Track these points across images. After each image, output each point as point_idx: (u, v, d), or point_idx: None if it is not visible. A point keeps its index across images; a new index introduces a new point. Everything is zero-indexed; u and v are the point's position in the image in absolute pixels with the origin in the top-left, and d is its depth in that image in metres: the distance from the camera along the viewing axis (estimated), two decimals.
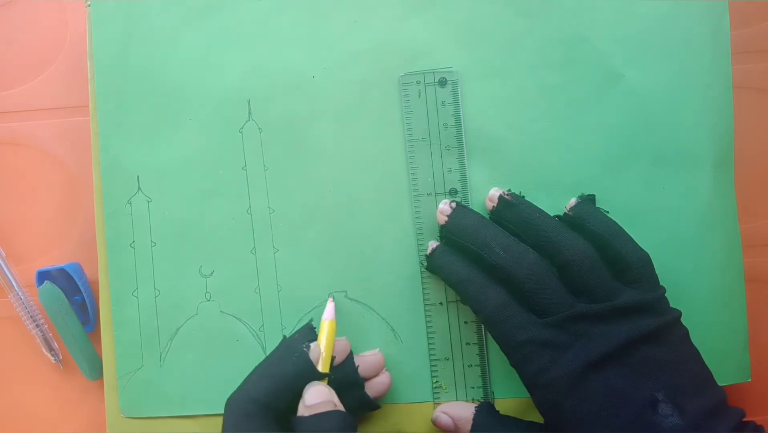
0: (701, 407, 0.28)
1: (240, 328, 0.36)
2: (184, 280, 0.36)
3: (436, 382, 0.35)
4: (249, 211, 0.36)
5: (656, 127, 0.35)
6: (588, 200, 0.34)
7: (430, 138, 0.35)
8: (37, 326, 0.39)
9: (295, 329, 0.35)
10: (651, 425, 0.28)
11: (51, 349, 0.39)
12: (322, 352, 0.31)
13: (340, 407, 0.29)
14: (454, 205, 0.34)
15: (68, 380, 0.40)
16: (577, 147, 0.35)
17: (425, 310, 0.36)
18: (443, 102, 0.35)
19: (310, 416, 0.28)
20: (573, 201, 0.34)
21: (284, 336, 0.32)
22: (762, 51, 0.39)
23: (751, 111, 0.38)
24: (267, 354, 0.34)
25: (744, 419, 0.30)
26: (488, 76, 0.36)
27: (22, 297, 0.39)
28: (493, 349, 0.35)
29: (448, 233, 0.34)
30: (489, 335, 0.35)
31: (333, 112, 0.36)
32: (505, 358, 0.31)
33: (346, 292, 0.36)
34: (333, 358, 0.32)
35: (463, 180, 0.35)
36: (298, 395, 0.30)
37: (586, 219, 0.33)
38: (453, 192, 0.35)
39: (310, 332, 0.32)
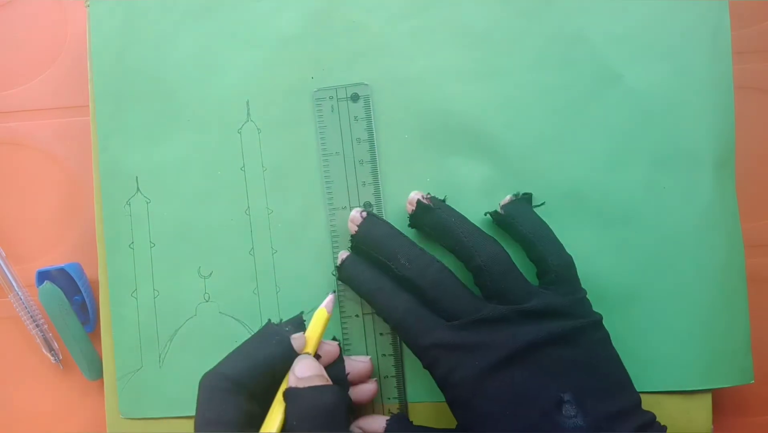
0: (606, 411, 0.29)
1: (239, 329, 0.36)
2: (183, 281, 0.36)
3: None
4: (247, 211, 0.36)
5: (656, 127, 0.35)
6: (523, 200, 0.34)
7: (344, 152, 0.36)
8: (37, 326, 0.39)
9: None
10: (554, 426, 0.28)
11: (51, 349, 0.39)
12: (311, 341, 0.31)
13: (330, 382, 0.29)
14: (364, 214, 0.34)
15: (68, 380, 0.40)
16: (576, 147, 0.35)
17: (341, 322, 0.36)
18: (356, 117, 0.36)
19: (306, 388, 0.28)
20: (507, 198, 0.34)
21: (269, 320, 0.32)
22: (762, 51, 0.39)
23: (752, 111, 0.38)
24: None
25: (655, 421, 0.30)
26: (487, 75, 0.36)
27: (22, 297, 0.39)
28: (409, 354, 0.35)
29: (357, 243, 0.34)
30: (405, 350, 0.35)
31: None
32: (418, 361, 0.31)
33: (345, 292, 0.36)
34: (318, 357, 0.32)
35: (377, 193, 0.35)
36: (272, 378, 0.29)
37: (516, 218, 0.33)
38: (367, 205, 0.35)
39: (297, 322, 0.32)
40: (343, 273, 0.34)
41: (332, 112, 0.36)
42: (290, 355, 0.30)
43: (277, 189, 0.36)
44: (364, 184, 0.35)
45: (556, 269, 0.32)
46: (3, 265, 0.40)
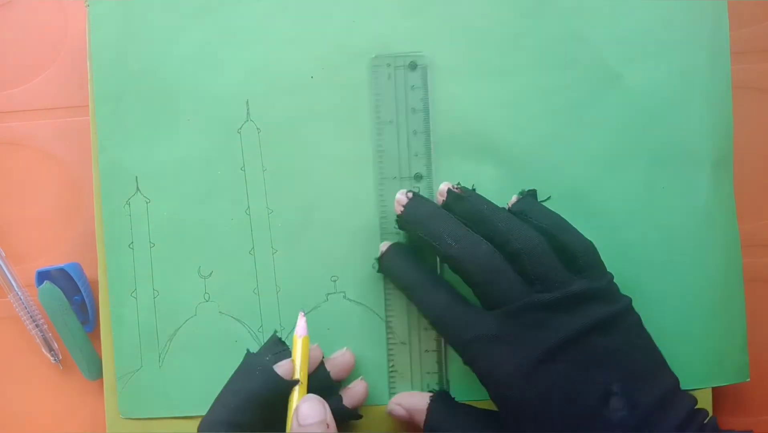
0: (651, 399, 0.29)
1: (239, 329, 0.36)
2: (183, 281, 0.36)
3: (392, 366, 0.35)
4: (247, 211, 0.36)
5: (655, 126, 0.35)
6: (529, 196, 0.34)
7: (397, 121, 0.35)
8: (37, 326, 0.39)
9: (293, 330, 0.35)
10: (602, 420, 0.28)
11: (51, 349, 0.39)
12: (297, 368, 0.31)
13: (333, 427, 0.29)
14: (410, 195, 0.33)
15: (68, 380, 0.40)
16: (576, 147, 0.35)
17: (385, 295, 0.36)
18: (413, 86, 0.35)
19: None
20: (514, 198, 0.34)
21: (248, 350, 0.32)
22: (761, 51, 0.39)
23: (750, 111, 0.38)
24: None
25: (697, 407, 0.30)
26: (487, 75, 0.36)
27: (21, 297, 0.39)
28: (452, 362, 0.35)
29: (403, 223, 0.34)
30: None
31: (332, 112, 0.36)
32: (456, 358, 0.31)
33: (345, 293, 0.36)
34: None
35: (428, 165, 0.35)
36: (266, 409, 0.29)
37: (528, 214, 0.33)
38: (418, 177, 0.35)
39: (275, 345, 0.32)
40: (383, 264, 0.34)
41: (388, 80, 0.35)
42: (277, 384, 0.30)
43: (277, 189, 0.36)
44: (416, 155, 0.35)
45: (583, 254, 0.31)
46: (3, 265, 0.40)
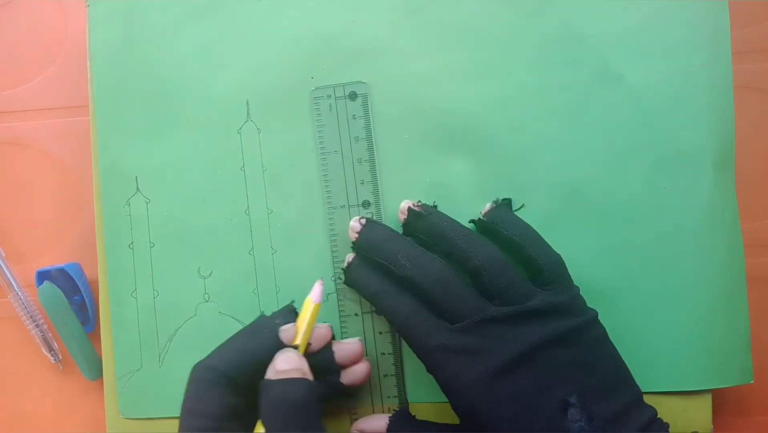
0: (610, 412, 0.29)
1: (238, 329, 0.36)
2: (183, 281, 0.36)
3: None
4: (247, 211, 0.36)
5: (656, 127, 0.35)
6: (503, 205, 0.34)
7: (342, 151, 0.36)
8: (37, 326, 0.39)
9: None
10: (560, 430, 0.28)
11: (51, 349, 0.39)
12: (300, 333, 0.31)
13: (309, 376, 0.29)
14: (363, 221, 0.34)
15: (68, 380, 0.40)
16: (576, 147, 0.35)
17: (341, 321, 0.36)
18: (354, 115, 0.35)
19: (277, 380, 0.28)
20: (488, 206, 0.34)
21: (262, 312, 0.33)
22: (762, 51, 0.39)
23: (752, 111, 0.38)
24: None
25: (657, 418, 0.30)
26: (487, 75, 0.36)
27: (21, 297, 0.39)
28: (409, 355, 0.35)
29: (359, 249, 0.34)
30: (404, 344, 0.35)
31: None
32: (419, 362, 0.31)
33: (345, 292, 0.36)
34: (309, 344, 0.31)
35: (376, 192, 0.35)
36: (261, 371, 0.29)
37: (499, 224, 0.33)
38: (366, 204, 0.35)
39: (289, 314, 0.32)
40: (348, 276, 0.34)
41: (330, 111, 0.36)
42: (278, 346, 0.30)
43: (277, 189, 0.36)
44: (362, 182, 0.35)
45: (548, 268, 0.32)
46: (3, 265, 0.40)
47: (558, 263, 0.32)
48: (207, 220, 0.36)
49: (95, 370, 0.39)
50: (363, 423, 0.34)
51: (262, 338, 0.31)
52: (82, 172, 0.40)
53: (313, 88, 0.36)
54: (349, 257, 0.34)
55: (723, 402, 0.37)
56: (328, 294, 0.36)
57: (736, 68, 0.36)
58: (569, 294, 0.32)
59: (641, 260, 0.35)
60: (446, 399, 0.31)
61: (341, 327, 0.36)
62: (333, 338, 0.34)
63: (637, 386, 0.31)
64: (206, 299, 0.36)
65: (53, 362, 0.40)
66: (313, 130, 0.36)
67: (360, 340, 0.34)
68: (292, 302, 0.34)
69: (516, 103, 0.35)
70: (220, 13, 0.37)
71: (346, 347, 0.33)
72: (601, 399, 0.29)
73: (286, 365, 0.29)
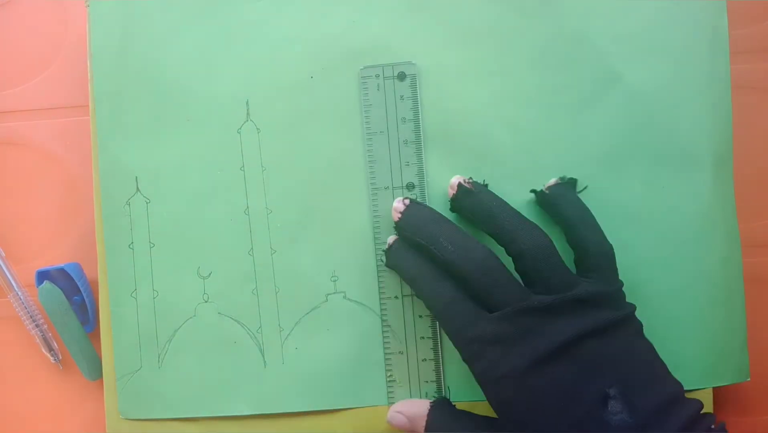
0: (651, 404, 0.28)
1: (238, 329, 0.36)
2: (182, 281, 0.36)
3: (390, 376, 0.35)
4: (247, 212, 0.36)
5: (655, 126, 0.35)
6: (568, 183, 0.34)
7: (388, 131, 0.35)
8: (37, 326, 0.39)
9: (292, 331, 0.35)
10: (600, 422, 0.28)
11: (51, 349, 0.39)
12: None
13: None
14: (407, 202, 0.34)
15: (68, 380, 0.40)
16: (575, 147, 0.35)
17: (381, 303, 0.36)
18: (401, 96, 0.35)
19: None
20: (553, 180, 0.34)
21: None
22: (760, 51, 0.39)
23: (750, 111, 0.38)
24: (264, 357, 0.35)
25: (703, 411, 0.30)
26: (487, 75, 0.36)
27: (21, 297, 0.39)
28: (448, 344, 0.35)
29: (401, 230, 0.34)
30: (442, 331, 0.35)
31: (331, 112, 0.36)
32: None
33: (344, 293, 0.36)
34: None
35: (421, 174, 0.35)
36: None
37: (559, 200, 0.33)
38: (410, 186, 0.35)
39: None
40: (390, 258, 0.34)
41: (378, 91, 0.35)
42: None
43: (277, 189, 0.36)
44: (407, 164, 0.35)
45: (596, 256, 0.31)
46: (3, 265, 0.40)
47: (607, 253, 0.32)
48: (207, 220, 0.36)
49: (95, 370, 0.39)
50: (403, 406, 0.33)
51: None
52: (82, 172, 0.40)
53: (362, 67, 0.36)
54: (391, 239, 0.34)
55: (723, 402, 0.37)
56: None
57: (735, 68, 0.36)
58: (613, 286, 0.31)
59: (639, 259, 0.35)
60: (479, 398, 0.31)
61: (381, 310, 0.36)
62: None
63: (679, 382, 0.30)
64: (205, 299, 0.36)
65: (53, 362, 0.40)
66: (312, 129, 0.36)
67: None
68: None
69: (515, 103, 0.35)
70: (220, 13, 0.37)
71: None
72: (641, 392, 0.29)
73: None
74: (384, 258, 0.35)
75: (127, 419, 0.37)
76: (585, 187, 0.35)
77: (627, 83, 0.35)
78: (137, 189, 0.37)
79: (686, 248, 0.35)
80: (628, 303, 0.32)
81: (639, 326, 0.31)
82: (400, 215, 0.33)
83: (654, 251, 0.35)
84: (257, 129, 0.36)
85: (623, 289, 0.32)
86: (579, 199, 0.34)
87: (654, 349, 0.31)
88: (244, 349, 0.36)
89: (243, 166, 0.36)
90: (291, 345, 0.36)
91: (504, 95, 0.35)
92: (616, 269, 0.32)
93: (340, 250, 0.36)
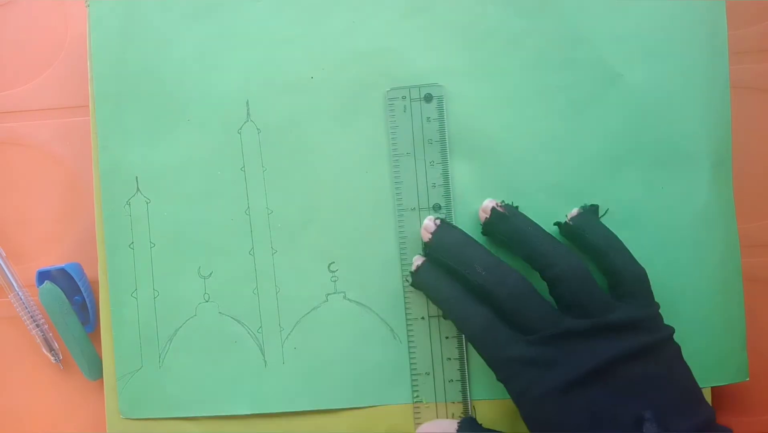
0: (685, 428, 0.29)
1: (238, 329, 0.36)
2: (183, 281, 0.36)
3: (417, 397, 0.35)
4: (247, 212, 0.36)
5: (654, 127, 0.35)
6: (590, 211, 0.34)
7: (414, 153, 0.35)
8: (37, 326, 0.39)
9: (293, 331, 0.36)
10: None
11: (51, 349, 0.40)
12: None
13: None
14: (438, 222, 0.34)
15: (68, 380, 0.40)
16: (575, 147, 0.35)
17: (407, 324, 0.36)
18: (428, 118, 0.35)
19: None
20: (575, 211, 0.34)
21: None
22: (759, 51, 0.39)
23: (749, 111, 0.38)
24: (265, 356, 0.36)
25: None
26: (486, 76, 0.36)
27: (22, 297, 0.39)
28: (474, 360, 0.35)
29: (431, 251, 0.34)
30: (469, 351, 0.35)
31: (331, 113, 0.36)
32: (486, 370, 0.31)
33: (345, 293, 0.36)
34: None
35: (447, 195, 0.35)
36: None
37: (585, 229, 0.33)
38: (437, 207, 0.35)
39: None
40: (417, 279, 0.34)
41: (404, 112, 0.36)
42: None
43: (277, 189, 0.36)
44: (434, 185, 0.35)
45: (631, 281, 0.31)
46: (3, 265, 0.40)
47: (642, 277, 0.32)
48: (207, 220, 0.36)
49: (95, 370, 0.39)
50: (429, 427, 0.33)
51: None
52: (82, 172, 0.40)
53: (388, 89, 0.36)
54: (418, 259, 0.34)
55: (723, 402, 0.37)
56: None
57: (733, 68, 0.36)
58: (650, 310, 0.31)
59: (639, 258, 0.35)
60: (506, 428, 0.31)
61: (408, 331, 0.36)
62: None
63: (711, 407, 0.31)
64: (206, 299, 0.36)
65: (53, 362, 0.40)
66: (312, 129, 0.36)
67: None
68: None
69: (514, 103, 0.35)
70: (220, 13, 0.37)
71: None
72: (675, 417, 0.29)
73: None
74: (410, 278, 0.35)
75: (127, 418, 0.37)
76: (606, 211, 0.35)
77: (627, 83, 0.35)
78: (137, 189, 0.37)
79: (685, 249, 0.35)
80: (666, 326, 0.31)
81: (676, 349, 0.31)
82: (430, 236, 0.33)
83: (652, 251, 0.35)
84: (258, 129, 0.36)
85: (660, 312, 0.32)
86: (604, 226, 0.33)
87: (691, 373, 0.31)
88: (245, 349, 0.36)
89: (243, 166, 0.36)
90: (291, 345, 0.36)
91: (502, 96, 0.35)
92: (651, 292, 0.32)
93: (341, 250, 0.36)
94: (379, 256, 0.36)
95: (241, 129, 0.36)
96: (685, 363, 0.31)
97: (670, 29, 0.35)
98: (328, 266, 0.36)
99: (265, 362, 0.36)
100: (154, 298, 0.37)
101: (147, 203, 0.37)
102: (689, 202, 0.35)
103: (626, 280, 0.32)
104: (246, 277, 0.36)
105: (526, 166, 0.35)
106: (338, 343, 0.36)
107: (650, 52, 0.35)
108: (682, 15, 0.35)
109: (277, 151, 0.36)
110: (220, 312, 0.36)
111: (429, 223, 0.34)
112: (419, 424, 0.35)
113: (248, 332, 0.36)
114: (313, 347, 0.36)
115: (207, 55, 0.37)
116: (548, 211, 0.35)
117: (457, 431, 0.32)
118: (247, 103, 0.36)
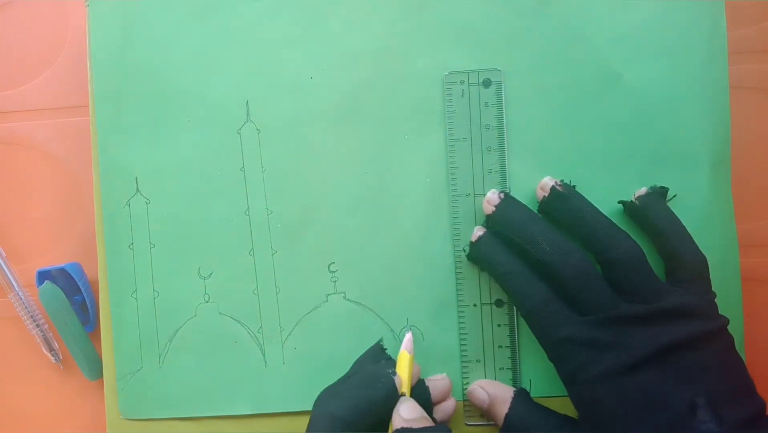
0: (739, 417, 0.28)
1: (238, 329, 0.36)
2: (183, 281, 0.36)
3: (466, 383, 0.35)
4: (247, 212, 0.36)
5: (654, 126, 0.35)
6: (657, 192, 0.34)
7: (471, 138, 0.35)
8: (38, 326, 0.39)
9: (293, 331, 0.36)
10: (688, 430, 0.28)
11: (51, 349, 0.40)
12: (405, 382, 0.32)
13: (431, 422, 0.30)
14: (502, 195, 0.33)
15: (68, 380, 0.40)
16: (574, 146, 0.35)
17: (458, 311, 0.36)
18: (486, 103, 0.35)
19: (420, 429, 0.29)
20: (643, 190, 0.34)
21: (380, 343, 0.34)
22: (758, 51, 0.39)
23: (748, 111, 0.38)
24: (265, 357, 0.35)
25: None
26: (486, 76, 0.36)
27: (22, 297, 0.40)
28: (525, 349, 0.35)
29: (493, 224, 0.34)
30: (520, 340, 0.35)
31: (331, 113, 0.36)
32: (536, 359, 0.31)
33: (345, 293, 0.36)
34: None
35: (503, 182, 0.35)
36: (379, 419, 0.30)
37: (650, 210, 0.33)
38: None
39: (380, 353, 0.33)
40: (476, 250, 0.34)
41: (462, 97, 0.35)
42: (394, 397, 0.31)
43: (277, 189, 0.36)
44: (490, 171, 0.35)
45: (692, 266, 0.31)
46: (3, 265, 0.40)
47: (703, 264, 0.32)
48: (207, 220, 0.36)
49: (95, 370, 0.39)
50: (486, 384, 0.34)
51: (381, 389, 0.31)
52: (82, 172, 0.40)
53: (446, 73, 0.36)
54: (479, 230, 0.34)
55: None
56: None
57: (733, 68, 0.36)
58: (706, 298, 0.31)
59: None
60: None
61: (459, 318, 0.35)
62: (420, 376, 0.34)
63: (762, 399, 0.30)
64: (206, 299, 0.36)
65: (54, 362, 0.40)
66: (312, 130, 0.36)
67: (446, 375, 0.34)
68: (380, 340, 0.34)
69: (513, 103, 0.36)
70: (220, 13, 0.37)
71: (438, 384, 0.33)
72: (729, 404, 0.29)
73: (413, 413, 0.30)
74: (467, 250, 0.35)
75: (127, 418, 0.37)
76: (675, 195, 0.35)
77: (627, 83, 0.35)
78: (137, 189, 0.37)
79: None
80: (721, 316, 0.31)
81: (730, 339, 0.31)
82: (494, 209, 0.33)
83: (652, 250, 0.35)
84: (257, 130, 0.36)
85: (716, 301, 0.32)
86: (670, 209, 0.33)
87: (744, 364, 0.31)
88: (245, 349, 0.36)
89: (243, 166, 0.36)
90: (291, 345, 0.36)
91: (503, 96, 0.35)
92: (710, 280, 0.32)
93: (341, 250, 0.36)
94: (379, 256, 0.36)
95: (240, 129, 0.36)
96: (738, 354, 0.31)
97: (670, 29, 0.35)
98: (328, 267, 0.36)
99: (266, 362, 0.36)
100: (154, 298, 0.37)
101: (147, 204, 0.37)
102: (688, 201, 0.35)
103: (686, 265, 0.31)
104: (246, 277, 0.36)
105: (524, 166, 0.35)
106: (338, 343, 0.36)
107: (650, 51, 0.35)
108: (681, 15, 0.35)
109: (277, 151, 0.36)
110: (220, 313, 0.36)
111: (493, 196, 0.33)
112: (469, 412, 0.35)
113: (248, 333, 0.36)
114: (313, 348, 0.36)
115: (207, 55, 0.37)
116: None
117: (514, 397, 0.32)
118: (247, 103, 0.36)
